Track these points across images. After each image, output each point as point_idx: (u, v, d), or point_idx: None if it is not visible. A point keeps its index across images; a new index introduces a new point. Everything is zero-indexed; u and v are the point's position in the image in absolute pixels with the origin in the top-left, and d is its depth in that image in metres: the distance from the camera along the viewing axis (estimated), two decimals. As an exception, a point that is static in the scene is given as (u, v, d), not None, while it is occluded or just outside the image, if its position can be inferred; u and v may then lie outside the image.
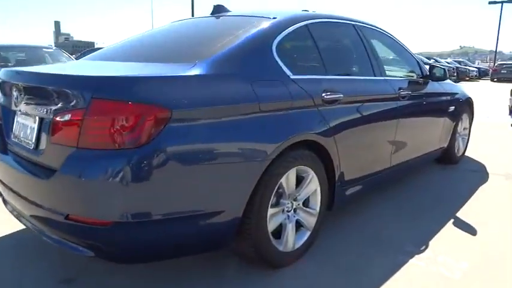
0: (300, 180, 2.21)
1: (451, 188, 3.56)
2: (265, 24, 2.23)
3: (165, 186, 1.61)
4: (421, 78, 3.42)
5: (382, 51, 3.15)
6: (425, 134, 3.49)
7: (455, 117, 3.97)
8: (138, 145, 1.53)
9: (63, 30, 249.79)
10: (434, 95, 3.53)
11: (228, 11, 2.75)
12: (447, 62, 25.12)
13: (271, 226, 2.03)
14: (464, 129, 4.42)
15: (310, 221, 2.30)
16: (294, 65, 2.24)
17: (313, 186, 2.26)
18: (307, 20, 2.46)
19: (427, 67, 3.50)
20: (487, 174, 4.01)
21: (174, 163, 1.61)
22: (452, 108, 3.86)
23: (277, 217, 2.10)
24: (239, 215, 1.85)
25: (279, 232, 2.13)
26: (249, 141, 1.86)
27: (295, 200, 2.21)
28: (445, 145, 3.96)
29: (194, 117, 1.66)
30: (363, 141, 2.62)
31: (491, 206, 3.14)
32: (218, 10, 2.73)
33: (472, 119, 4.59)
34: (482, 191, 3.48)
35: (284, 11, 2.49)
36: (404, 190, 3.46)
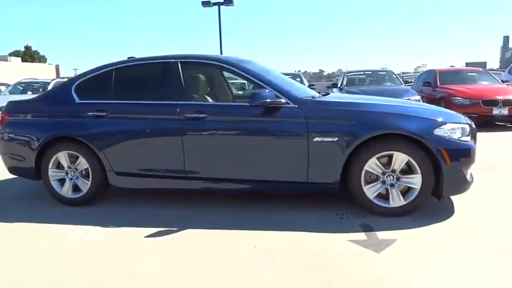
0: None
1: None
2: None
3: None
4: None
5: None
6: (252, 157, 3.50)
7: (349, 149, 3.26)
8: None
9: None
10: (268, 121, 3.42)
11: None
12: None
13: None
14: (409, 174, 3.27)
15: (84, 186, 3.87)
16: (82, 95, 3.89)
17: (84, 165, 3.84)
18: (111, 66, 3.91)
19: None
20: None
21: None
22: (328, 139, 3.30)
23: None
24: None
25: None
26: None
27: (72, 169, 3.90)
28: (329, 181, 3.39)
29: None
30: (129, 144, 3.69)
31: None
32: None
33: (430, 162, 3.19)
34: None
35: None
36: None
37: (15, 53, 72.43)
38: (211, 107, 3.68)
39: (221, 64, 3.75)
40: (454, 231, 3.05)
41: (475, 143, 3.42)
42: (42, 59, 76.07)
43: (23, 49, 75.63)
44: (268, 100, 3.36)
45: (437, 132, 3.22)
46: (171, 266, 2.63)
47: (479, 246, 2.77)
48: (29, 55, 74.27)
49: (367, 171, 3.34)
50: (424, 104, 4.36)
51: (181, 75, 3.72)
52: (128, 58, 4.39)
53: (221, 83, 4.19)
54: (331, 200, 3.66)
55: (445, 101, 8.73)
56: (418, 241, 2.87)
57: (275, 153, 3.47)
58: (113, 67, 3.97)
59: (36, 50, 77.60)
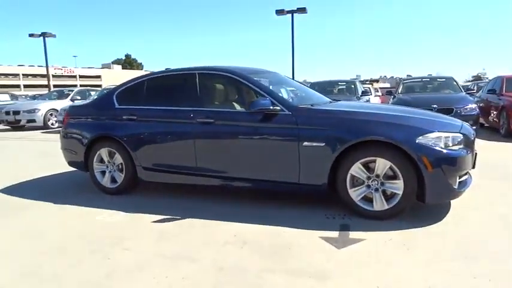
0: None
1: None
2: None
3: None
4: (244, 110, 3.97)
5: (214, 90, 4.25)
6: (251, 158, 3.89)
7: (335, 154, 3.51)
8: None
9: None
10: (267, 127, 3.80)
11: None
12: None
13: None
14: (393, 179, 3.42)
15: (119, 178, 4.61)
16: (121, 102, 4.63)
17: (119, 160, 4.58)
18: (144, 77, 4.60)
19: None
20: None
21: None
22: (315, 143, 3.58)
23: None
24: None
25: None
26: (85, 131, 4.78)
27: (111, 163, 4.66)
28: (318, 183, 3.67)
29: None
30: (153, 143, 4.33)
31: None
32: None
33: (406, 169, 3.31)
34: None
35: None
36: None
37: (117, 61, 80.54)
38: (218, 113, 4.15)
39: (229, 75, 4.22)
40: (434, 235, 3.13)
41: (468, 152, 3.44)
42: (139, 66, 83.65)
43: (123, 57, 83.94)
44: (263, 107, 3.75)
45: (420, 140, 3.32)
46: (160, 243, 3.17)
47: (440, 251, 2.86)
48: (128, 63, 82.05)
49: (352, 176, 3.55)
50: (425, 112, 4.35)
51: (198, 85, 4.27)
52: (166, 69, 5.09)
53: (232, 91, 4.62)
54: (325, 202, 3.92)
55: (507, 110, 8.17)
56: (382, 242, 3.03)
57: (271, 155, 3.83)
58: (146, 78, 4.68)
59: (135, 58, 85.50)
